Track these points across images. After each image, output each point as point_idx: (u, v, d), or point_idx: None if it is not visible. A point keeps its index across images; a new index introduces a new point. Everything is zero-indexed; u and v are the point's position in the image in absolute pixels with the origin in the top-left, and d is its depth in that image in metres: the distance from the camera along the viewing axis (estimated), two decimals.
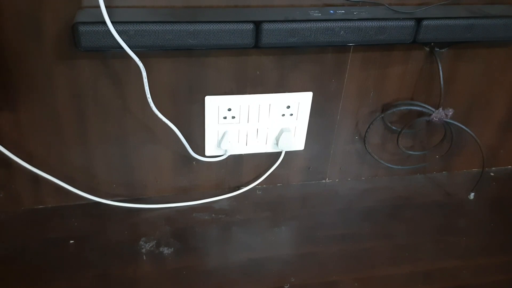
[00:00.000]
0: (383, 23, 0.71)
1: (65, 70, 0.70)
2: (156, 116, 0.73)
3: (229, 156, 0.85)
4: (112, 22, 0.62)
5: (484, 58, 0.84)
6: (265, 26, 0.67)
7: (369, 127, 0.87)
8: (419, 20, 0.72)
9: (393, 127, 0.89)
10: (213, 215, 0.84)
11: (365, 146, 0.90)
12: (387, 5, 0.74)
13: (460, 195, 0.93)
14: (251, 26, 0.67)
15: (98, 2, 0.61)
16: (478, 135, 0.86)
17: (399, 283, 0.74)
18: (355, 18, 0.70)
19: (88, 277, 0.71)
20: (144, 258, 0.75)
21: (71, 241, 0.77)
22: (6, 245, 0.76)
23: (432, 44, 0.81)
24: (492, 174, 1.00)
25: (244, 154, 0.87)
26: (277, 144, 0.86)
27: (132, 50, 0.65)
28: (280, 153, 0.88)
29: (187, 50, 0.72)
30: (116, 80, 0.73)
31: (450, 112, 0.82)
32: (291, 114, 0.83)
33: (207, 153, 0.84)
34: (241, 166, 0.88)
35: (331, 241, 0.80)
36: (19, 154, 0.74)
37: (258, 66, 0.77)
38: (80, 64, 0.70)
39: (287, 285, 0.72)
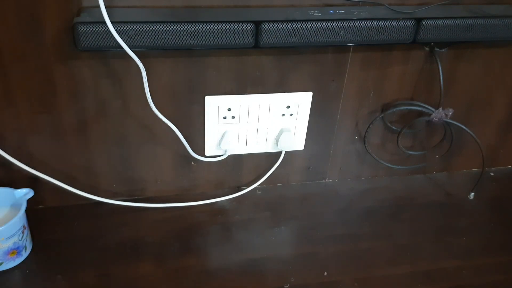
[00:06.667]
0: (383, 23, 0.71)
1: (65, 70, 0.70)
2: (156, 116, 0.73)
3: (229, 156, 0.85)
4: (112, 22, 0.62)
5: (484, 58, 0.84)
6: (265, 26, 0.67)
7: (369, 127, 0.87)
8: (419, 20, 0.72)
9: (393, 127, 0.89)
10: (213, 215, 0.84)
11: (365, 146, 0.90)
12: (387, 5, 0.74)
13: (460, 195, 0.93)
14: (251, 26, 0.67)
15: (98, 2, 0.61)
16: (478, 135, 0.86)
17: (399, 283, 0.74)
18: (355, 18, 0.70)
19: (89, 277, 0.71)
20: (144, 258, 0.75)
21: (71, 241, 0.77)
22: None
23: (432, 44, 0.81)
24: (492, 174, 1.00)
25: (244, 154, 0.87)
26: (277, 144, 0.86)
27: (132, 50, 0.65)
28: (280, 153, 0.88)
29: (187, 50, 0.72)
30: (116, 80, 0.73)
31: (450, 112, 0.82)
32: (291, 114, 0.83)
33: (207, 153, 0.84)
34: (241, 166, 0.88)
35: (331, 241, 0.80)
36: (19, 154, 0.74)
37: (258, 66, 0.77)
38: (80, 64, 0.70)
39: (287, 285, 0.72)
